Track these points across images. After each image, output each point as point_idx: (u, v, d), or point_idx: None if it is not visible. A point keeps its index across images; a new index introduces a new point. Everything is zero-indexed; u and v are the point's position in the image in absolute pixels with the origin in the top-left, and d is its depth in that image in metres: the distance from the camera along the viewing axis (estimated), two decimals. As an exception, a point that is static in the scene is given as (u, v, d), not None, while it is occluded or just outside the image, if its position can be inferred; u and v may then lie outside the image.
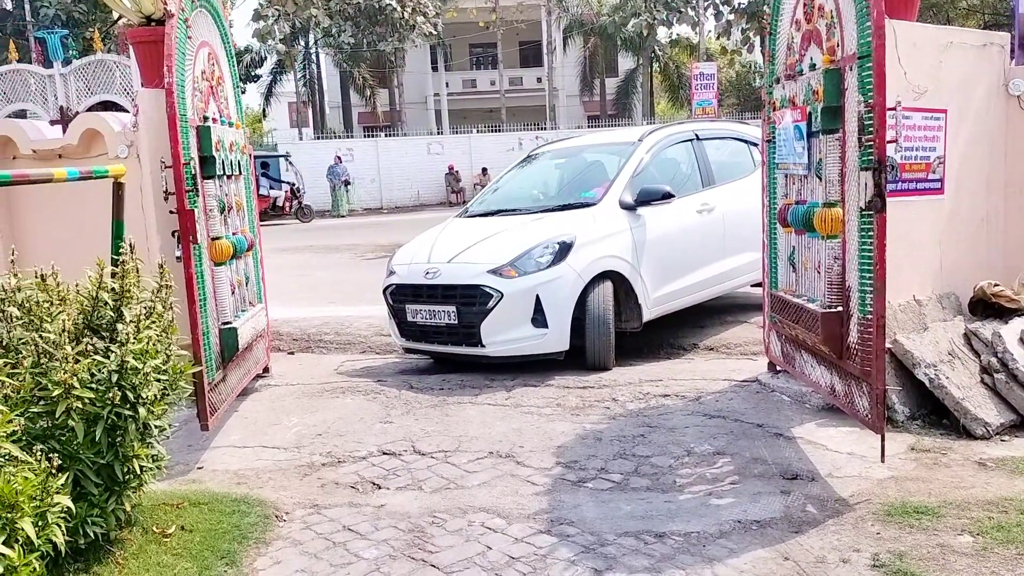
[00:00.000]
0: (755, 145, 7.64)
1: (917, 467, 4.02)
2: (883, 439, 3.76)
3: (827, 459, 4.20)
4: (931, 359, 4.58)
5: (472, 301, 5.98)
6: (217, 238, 4.86)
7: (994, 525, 3.35)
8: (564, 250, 6.04)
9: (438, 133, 38.51)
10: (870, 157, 3.59)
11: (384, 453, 4.65)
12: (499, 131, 34.20)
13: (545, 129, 33.76)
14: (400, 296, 6.43)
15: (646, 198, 6.52)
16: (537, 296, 5.92)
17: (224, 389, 4.91)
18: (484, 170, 30.37)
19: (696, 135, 7.49)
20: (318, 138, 35.60)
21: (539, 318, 5.95)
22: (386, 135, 34.18)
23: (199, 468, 4.54)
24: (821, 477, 3.99)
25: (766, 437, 4.57)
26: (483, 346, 6.00)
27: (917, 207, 4.98)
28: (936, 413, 4.63)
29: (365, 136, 34.87)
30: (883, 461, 3.85)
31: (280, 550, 3.51)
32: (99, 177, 3.81)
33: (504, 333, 5.96)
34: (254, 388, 6.00)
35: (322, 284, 11.49)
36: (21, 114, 6.95)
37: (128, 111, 6.76)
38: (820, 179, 4.23)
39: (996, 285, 5.07)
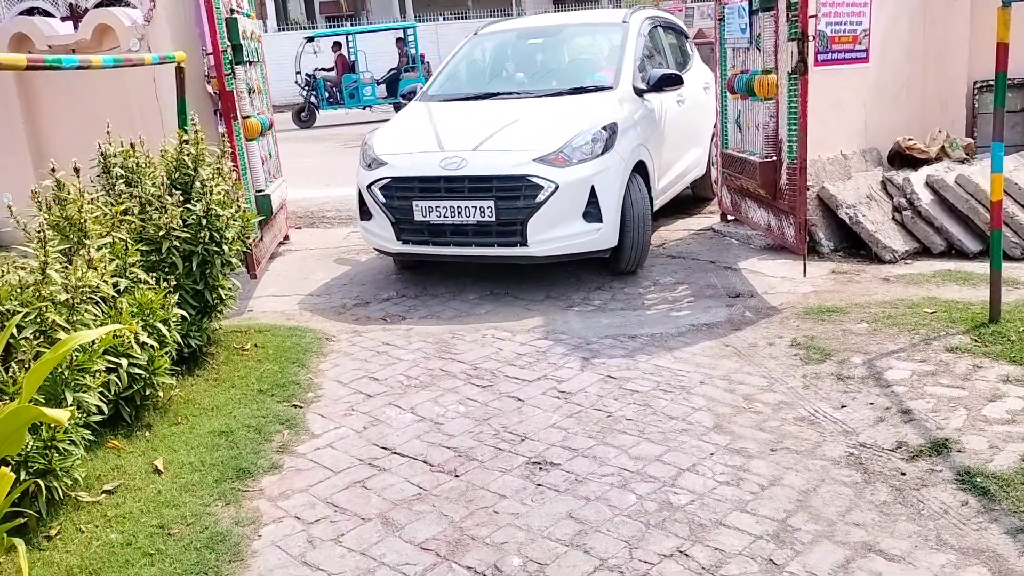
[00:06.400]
0: (687, 38, 7.71)
1: (834, 284, 5.06)
2: (804, 258, 4.77)
3: (764, 282, 5.22)
4: (851, 201, 5.56)
5: (516, 194, 5.10)
6: (248, 117, 5.63)
7: (885, 315, 4.40)
8: (612, 136, 5.32)
9: (402, 19, 38.14)
10: (796, 30, 4.44)
11: (402, 296, 5.60)
12: (466, 18, 33.99)
13: (512, 16, 33.63)
14: (401, 191, 5.35)
15: (659, 83, 5.92)
16: (592, 187, 5.14)
17: (263, 247, 5.78)
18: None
19: (660, 23, 7.17)
20: (281, 29, 35.21)
21: (592, 211, 5.17)
22: (351, 24, 33.88)
23: (249, 311, 5.45)
24: (758, 294, 5.01)
25: (717, 270, 5.58)
26: (526, 245, 5.14)
27: (845, 74, 5.85)
28: (855, 246, 5.65)
29: (328, 26, 34.53)
30: (804, 276, 4.88)
31: (336, 358, 4.48)
32: (169, 62, 4.56)
33: (553, 230, 5.12)
34: (279, 253, 6.87)
35: (316, 168, 12.19)
36: (31, 12, 7.48)
37: (134, 6, 7.32)
38: (759, 51, 5.08)
39: (910, 140, 6.02)
